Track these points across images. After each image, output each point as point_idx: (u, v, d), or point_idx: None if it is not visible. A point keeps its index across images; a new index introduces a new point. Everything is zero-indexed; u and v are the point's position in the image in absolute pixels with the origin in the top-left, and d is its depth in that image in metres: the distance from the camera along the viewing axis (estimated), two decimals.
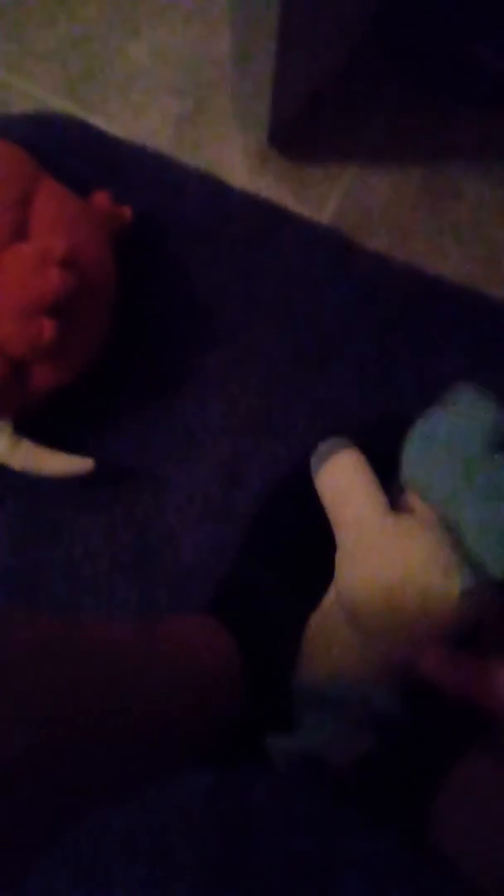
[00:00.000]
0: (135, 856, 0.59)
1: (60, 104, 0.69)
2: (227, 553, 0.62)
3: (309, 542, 0.54)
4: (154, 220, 0.65)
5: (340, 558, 0.50)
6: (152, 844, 0.60)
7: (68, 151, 0.66)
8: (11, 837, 0.30)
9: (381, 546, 0.48)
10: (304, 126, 0.67)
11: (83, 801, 0.36)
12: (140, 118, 0.68)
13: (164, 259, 0.65)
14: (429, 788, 0.49)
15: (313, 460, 0.54)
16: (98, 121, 0.68)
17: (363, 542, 0.49)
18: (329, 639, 0.51)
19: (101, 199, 0.61)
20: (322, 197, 0.67)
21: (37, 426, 0.60)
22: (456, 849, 0.47)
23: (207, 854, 0.59)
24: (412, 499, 0.51)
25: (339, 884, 0.59)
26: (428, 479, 0.48)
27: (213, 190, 0.66)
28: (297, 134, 0.67)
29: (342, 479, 0.52)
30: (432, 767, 0.50)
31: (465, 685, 0.39)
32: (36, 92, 0.70)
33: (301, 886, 0.59)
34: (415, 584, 0.45)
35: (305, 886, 0.59)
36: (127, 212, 0.61)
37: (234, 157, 0.67)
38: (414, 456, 0.50)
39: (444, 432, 0.49)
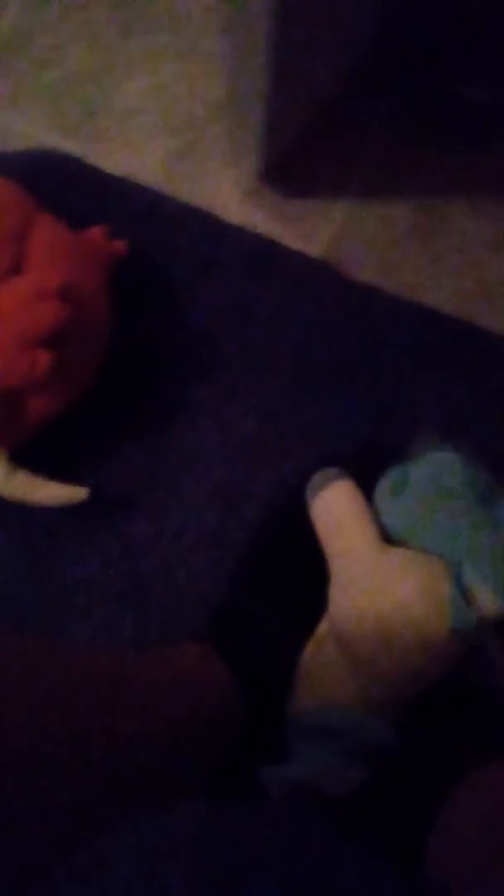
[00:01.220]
0: (127, 884, 0.59)
1: (56, 142, 0.71)
2: (223, 581, 0.62)
3: (304, 570, 0.54)
4: (149, 254, 0.66)
5: (333, 589, 0.51)
6: (144, 873, 0.59)
7: (64, 188, 0.67)
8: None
9: (372, 578, 0.48)
10: (296, 161, 0.69)
11: (74, 827, 0.36)
12: (135, 155, 0.69)
13: (158, 291, 0.66)
14: (425, 818, 0.49)
15: (308, 491, 0.55)
16: (93, 158, 0.69)
17: (354, 573, 0.49)
18: (322, 669, 0.51)
19: (96, 233, 0.62)
20: (314, 230, 0.68)
21: (32, 455, 0.60)
22: (452, 879, 0.46)
23: (200, 884, 0.59)
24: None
25: None
26: (406, 526, 0.49)
27: (207, 224, 0.67)
28: (289, 169, 0.68)
29: (335, 510, 0.52)
30: (428, 797, 0.50)
31: None
32: (32, 130, 0.71)
33: None
34: (405, 617, 0.45)
35: None
36: (121, 246, 0.62)
37: (228, 192, 0.68)
38: (388, 506, 0.51)
39: (414, 479, 0.51)
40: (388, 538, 0.50)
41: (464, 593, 0.45)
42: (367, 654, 0.47)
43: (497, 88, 0.64)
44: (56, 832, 0.34)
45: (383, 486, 0.52)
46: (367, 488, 0.53)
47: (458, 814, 0.48)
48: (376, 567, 0.48)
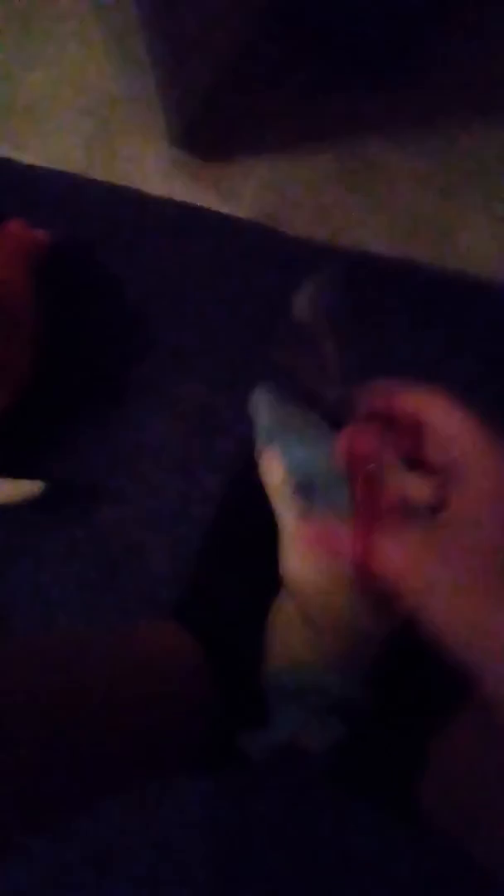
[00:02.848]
0: (136, 858, 0.59)
1: None
2: (191, 555, 0.62)
3: (265, 536, 0.53)
4: (74, 240, 0.66)
5: (281, 548, 0.50)
6: (153, 847, 0.59)
7: None
8: None
9: None
10: (211, 123, 0.67)
11: (58, 804, 0.37)
12: (50, 143, 0.68)
13: (88, 276, 0.66)
14: (410, 765, 0.49)
15: (255, 451, 0.54)
16: (8, 151, 0.68)
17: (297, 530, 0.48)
18: (284, 629, 0.50)
19: (15, 227, 0.61)
20: (239, 189, 0.66)
21: None
22: (445, 818, 0.46)
23: (208, 855, 0.59)
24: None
25: (342, 883, 0.58)
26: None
27: (129, 202, 0.66)
28: (205, 132, 0.67)
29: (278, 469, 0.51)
30: (409, 745, 0.50)
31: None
32: None
33: (304, 886, 0.58)
34: (338, 569, 0.45)
35: (308, 886, 0.58)
36: (42, 236, 0.62)
37: (149, 166, 0.67)
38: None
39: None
40: None
41: None
42: (312, 608, 0.46)
43: (390, 20, 0.62)
44: (26, 814, 0.34)
45: None
46: None
47: (442, 756, 0.48)
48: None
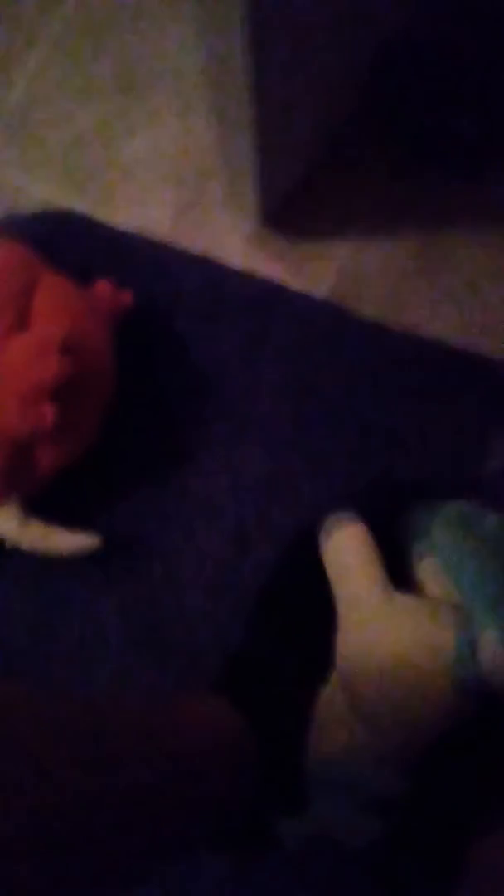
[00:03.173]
0: None
1: (66, 201, 0.73)
2: (240, 626, 0.62)
3: (318, 614, 0.53)
4: (155, 305, 0.67)
5: (339, 635, 0.50)
6: None
7: (72, 244, 0.69)
8: None
9: (375, 626, 0.47)
10: (297, 204, 0.69)
11: (85, 886, 0.36)
12: (141, 209, 0.71)
13: (164, 340, 0.67)
14: (449, 866, 0.48)
15: (321, 535, 0.54)
16: (101, 214, 0.71)
17: (358, 620, 0.48)
18: (332, 717, 0.50)
19: (103, 286, 0.63)
20: (319, 271, 0.68)
21: (44, 504, 0.61)
22: None
23: None
24: (423, 575, 0.50)
25: None
26: (465, 573, 0.47)
27: (211, 274, 0.68)
28: (291, 212, 0.69)
29: (343, 555, 0.52)
30: (451, 846, 0.49)
31: None
32: (42, 191, 0.74)
33: None
34: (406, 668, 0.44)
35: None
36: (127, 297, 0.64)
37: (232, 240, 0.70)
38: (452, 547, 0.49)
39: (492, 535, 0.49)
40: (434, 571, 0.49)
41: (473, 643, 0.43)
42: (370, 704, 0.46)
43: (486, 118, 0.64)
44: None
45: (447, 520, 0.51)
46: (379, 530, 0.52)
47: (485, 861, 0.47)
48: (380, 614, 0.47)
